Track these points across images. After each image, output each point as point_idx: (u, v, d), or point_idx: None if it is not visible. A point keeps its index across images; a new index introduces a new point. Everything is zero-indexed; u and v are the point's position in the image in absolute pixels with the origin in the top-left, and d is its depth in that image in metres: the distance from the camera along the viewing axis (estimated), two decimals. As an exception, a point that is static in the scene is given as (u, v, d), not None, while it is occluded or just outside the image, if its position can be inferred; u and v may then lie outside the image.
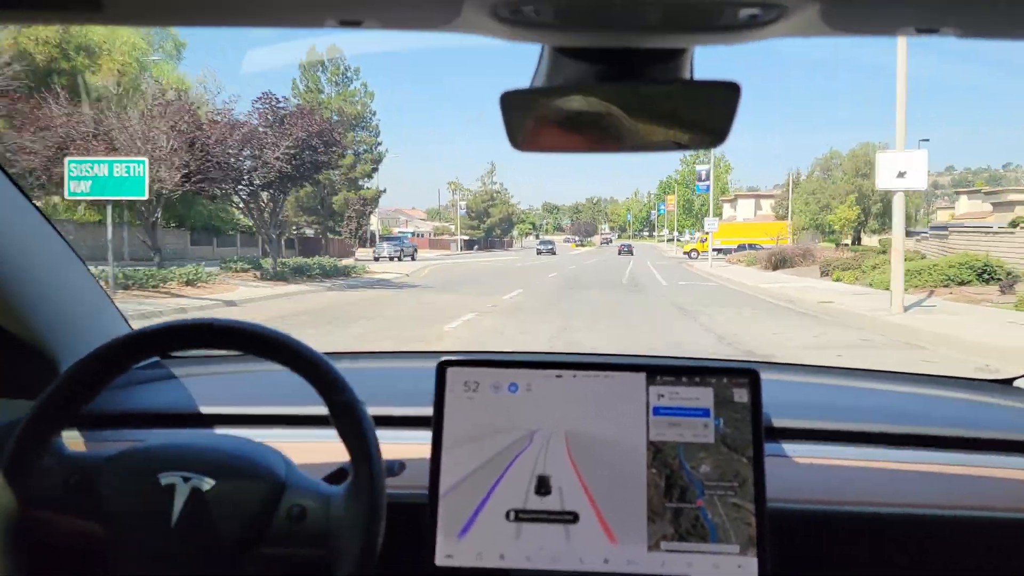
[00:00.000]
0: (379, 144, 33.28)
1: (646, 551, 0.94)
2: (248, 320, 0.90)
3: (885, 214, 34.56)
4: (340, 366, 0.87)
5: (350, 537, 0.83)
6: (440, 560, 0.95)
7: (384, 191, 34.22)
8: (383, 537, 0.83)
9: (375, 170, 33.09)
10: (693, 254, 44.54)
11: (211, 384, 1.49)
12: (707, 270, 26.40)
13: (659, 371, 1.00)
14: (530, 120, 0.72)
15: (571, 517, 0.95)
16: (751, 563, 0.93)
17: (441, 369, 1.01)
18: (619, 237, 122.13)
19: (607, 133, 0.72)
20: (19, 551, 0.83)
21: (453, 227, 70.12)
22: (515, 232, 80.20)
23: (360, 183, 32.33)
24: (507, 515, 0.96)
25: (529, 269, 27.61)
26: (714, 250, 42.85)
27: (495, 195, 73.92)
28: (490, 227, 70.97)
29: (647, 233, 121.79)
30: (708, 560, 0.93)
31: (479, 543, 0.95)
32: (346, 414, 0.85)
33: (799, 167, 62.86)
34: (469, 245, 65.71)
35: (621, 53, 0.67)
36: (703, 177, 42.40)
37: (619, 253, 51.57)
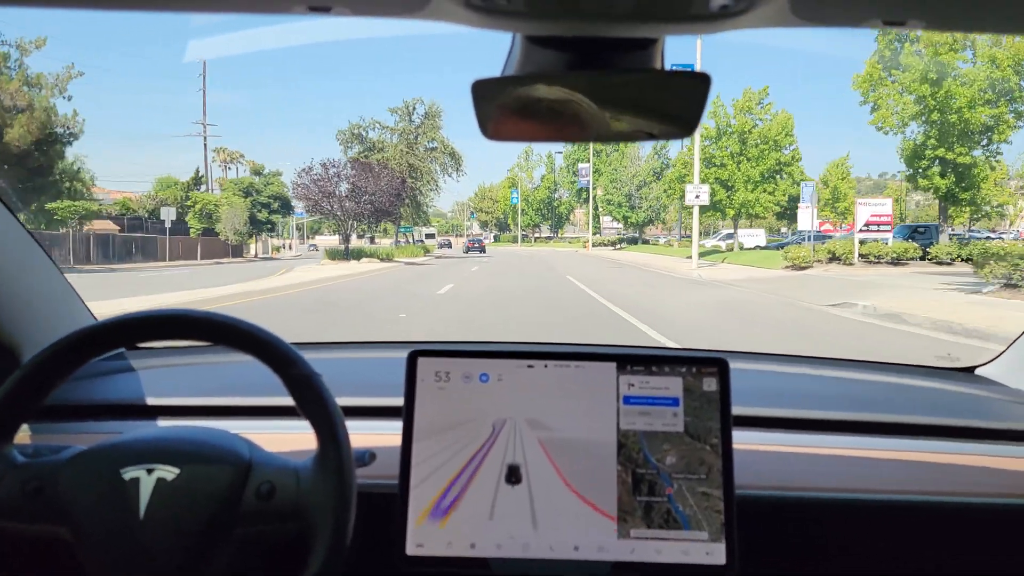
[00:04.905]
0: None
1: (616, 539, 0.95)
2: (209, 310, 0.89)
3: None
4: (307, 356, 0.87)
5: (323, 508, 0.83)
6: (411, 549, 0.96)
7: None
8: (354, 524, 0.83)
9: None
10: None
11: (177, 375, 1.49)
12: None
13: (630, 360, 1.01)
14: (501, 109, 0.72)
15: (541, 506, 0.96)
16: (719, 549, 0.94)
17: (412, 359, 1.01)
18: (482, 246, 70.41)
19: (577, 122, 0.72)
20: None
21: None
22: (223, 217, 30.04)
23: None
24: (478, 504, 0.97)
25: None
26: None
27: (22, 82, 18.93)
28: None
29: (551, 232, 74.28)
30: (677, 547, 0.95)
31: (450, 532, 0.96)
32: (304, 386, 0.85)
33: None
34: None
35: (592, 42, 0.67)
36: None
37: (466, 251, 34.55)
